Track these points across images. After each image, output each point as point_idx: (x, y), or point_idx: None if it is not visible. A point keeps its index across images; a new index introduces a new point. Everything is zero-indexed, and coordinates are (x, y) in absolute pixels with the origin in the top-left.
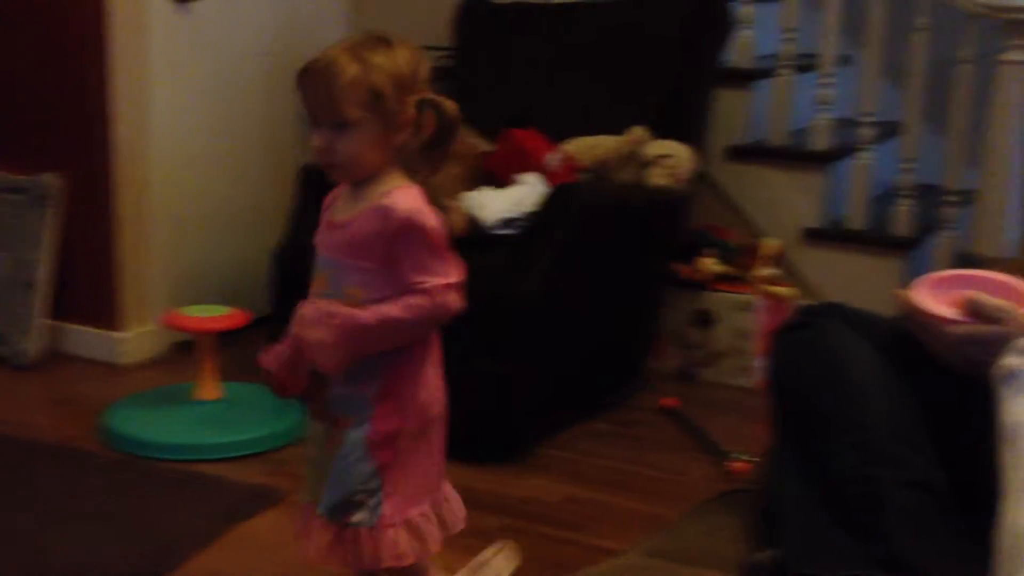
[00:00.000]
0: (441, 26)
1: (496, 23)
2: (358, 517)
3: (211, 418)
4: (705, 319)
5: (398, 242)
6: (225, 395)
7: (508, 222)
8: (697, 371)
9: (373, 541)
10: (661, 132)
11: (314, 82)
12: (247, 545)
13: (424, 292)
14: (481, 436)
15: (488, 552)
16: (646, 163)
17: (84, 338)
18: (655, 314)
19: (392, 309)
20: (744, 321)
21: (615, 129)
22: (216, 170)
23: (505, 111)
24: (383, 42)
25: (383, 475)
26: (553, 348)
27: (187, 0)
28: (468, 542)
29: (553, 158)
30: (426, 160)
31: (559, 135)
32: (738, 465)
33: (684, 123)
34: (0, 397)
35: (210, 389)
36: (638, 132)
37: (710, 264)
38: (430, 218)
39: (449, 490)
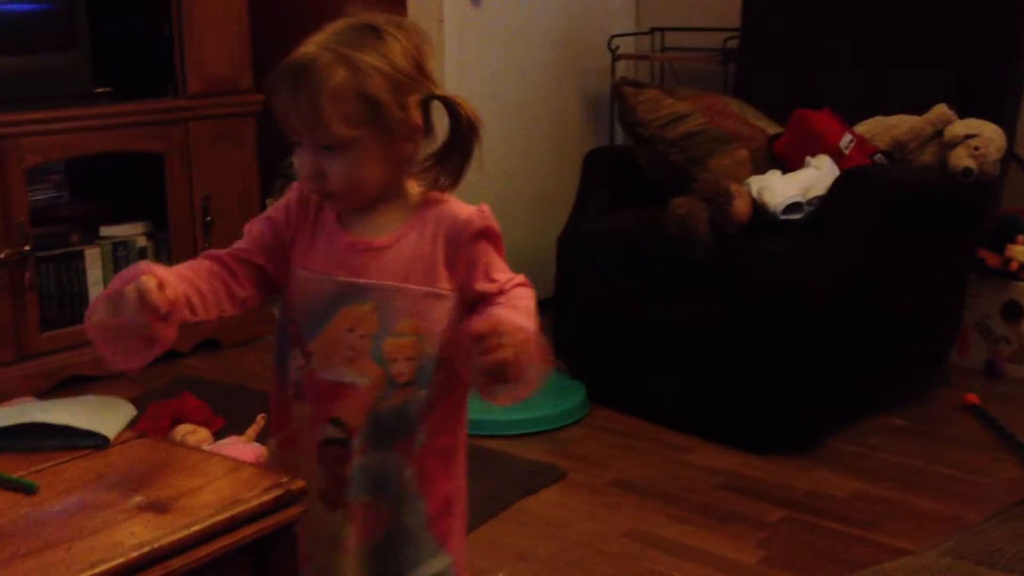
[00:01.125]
0: (729, 6)
1: (786, 0)
2: None
3: None
4: (1015, 311)
5: (474, 251)
6: None
7: (796, 207)
8: (1005, 367)
9: None
10: (967, 110)
11: (291, 92)
12: (529, 519)
13: (525, 284)
14: (767, 426)
15: None
16: (950, 143)
17: None
18: (959, 305)
19: (527, 302)
20: None
21: (914, 108)
22: (504, 158)
23: (795, 91)
24: (371, 32)
25: (449, 546)
26: (845, 339)
27: None
28: (747, 531)
29: (846, 140)
30: (443, 172)
31: (853, 115)
32: None
33: (994, 100)
34: None
35: None
36: (941, 110)
37: (1022, 252)
38: (490, 213)
39: None
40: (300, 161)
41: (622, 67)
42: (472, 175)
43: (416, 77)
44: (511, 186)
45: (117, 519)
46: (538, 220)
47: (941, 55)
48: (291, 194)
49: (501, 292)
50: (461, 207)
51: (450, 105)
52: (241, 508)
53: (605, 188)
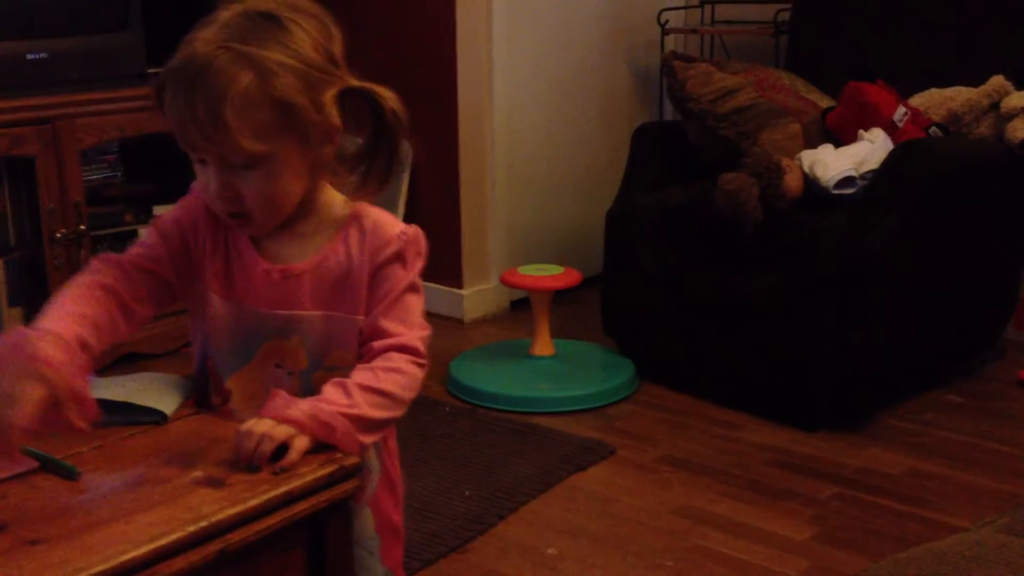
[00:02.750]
0: None
1: None
2: None
3: (546, 373)
4: None
5: (385, 275)
6: (558, 352)
7: (849, 182)
8: None
9: None
10: None
11: (187, 102)
12: (579, 495)
13: (410, 351)
14: (818, 402)
15: None
16: (1007, 115)
17: (432, 295)
18: (1015, 279)
19: (388, 383)
20: None
21: (971, 79)
22: (553, 134)
23: (848, 63)
24: (270, 21)
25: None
26: (899, 314)
27: None
28: (798, 508)
29: (900, 113)
30: (369, 174)
31: (907, 88)
32: None
33: None
34: None
35: (545, 345)
36: (998, 81)
37: None
38: (423, 243)
39: None
40: (206, 180)
41: (671, 41)
42: (524, 150)
43: (329, 69)
44: (559, 161)
45: (175, 493)
46: (587, 195)
47: (997, 25)
48: (198, 202)
49: (378, 349)
50: (389, 224)
51: (371, 97)
52: (297, 483)
53: (654, 163)
